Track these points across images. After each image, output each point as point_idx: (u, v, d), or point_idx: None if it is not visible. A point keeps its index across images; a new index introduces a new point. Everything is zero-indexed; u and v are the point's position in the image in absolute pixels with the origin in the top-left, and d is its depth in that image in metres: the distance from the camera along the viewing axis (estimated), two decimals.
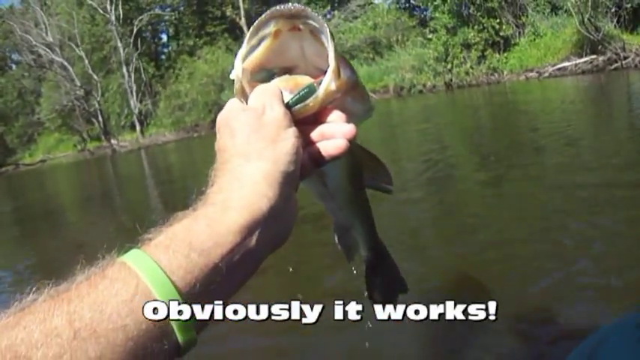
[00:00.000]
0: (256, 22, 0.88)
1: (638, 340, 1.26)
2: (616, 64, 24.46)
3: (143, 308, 0.61)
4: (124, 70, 40.34)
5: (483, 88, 28.00)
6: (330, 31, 0.86)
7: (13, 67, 50.70)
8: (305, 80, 0.90)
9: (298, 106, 0.85)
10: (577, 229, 4.63)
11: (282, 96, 0.85)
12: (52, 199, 16.53)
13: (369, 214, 1.26)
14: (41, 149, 45.03)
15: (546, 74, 26.99)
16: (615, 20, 26.93)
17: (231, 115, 0.81)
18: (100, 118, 40.53)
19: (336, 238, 1.27)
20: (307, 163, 0.84)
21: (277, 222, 0.76)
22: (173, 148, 25.63)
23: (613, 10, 27.14)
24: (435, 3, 32.13)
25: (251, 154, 0.76)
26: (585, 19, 25.53)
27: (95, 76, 39.84)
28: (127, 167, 22.75)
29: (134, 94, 40.38)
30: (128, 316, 0.60)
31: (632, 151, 7.19)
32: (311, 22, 0.88)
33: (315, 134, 0.85)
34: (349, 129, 0.84)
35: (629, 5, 27.64)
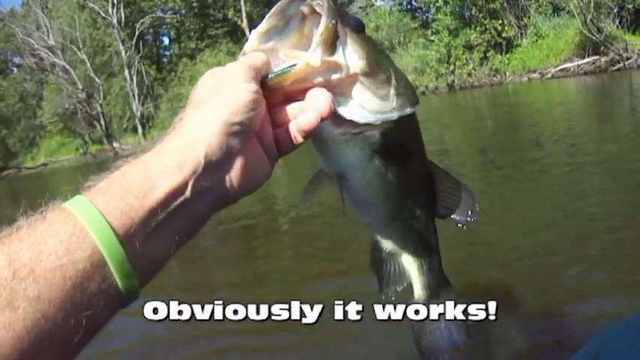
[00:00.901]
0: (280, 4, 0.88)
1: None
2: (619, 65, 24.39)
3: (79, 248, 0.62)
4: (126, 73, 40.36)
5: (486, 89, 27.95)
6: (333, 8, 0.86)
7: (15, 70, 50.75)
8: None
9: (272, 75, 0.84)
10: (581, 230, 4.61)
11: (257, 62, 0.84)
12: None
13: (430, 247, 1.14)
14: (43, 153, 45.02)
15: (549, 75, 26.92)
16: (617, 21, 26.87)
17: (203, 76, 0.83)
18: (102, 122, 40.54)
19: (371, 261, 1.16)
20: (283, 138, 0.84)
21: (219, 173, 0.76)
22: None
23: (615, 11, 27.08)
24: (438, 4, 32.11)
25: (199, 103, 0.78)
26: (588, 20, 25.47)
27: (97, 79, 39.86)
28: None
29: (136, 97, 40.38)
30: (65, 256, 0.62)
31: (637, 152, 7.15)
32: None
33: (291, 108, 0.85)
34: (324, 105, 0.82)
35: (630, 6, 27.58)
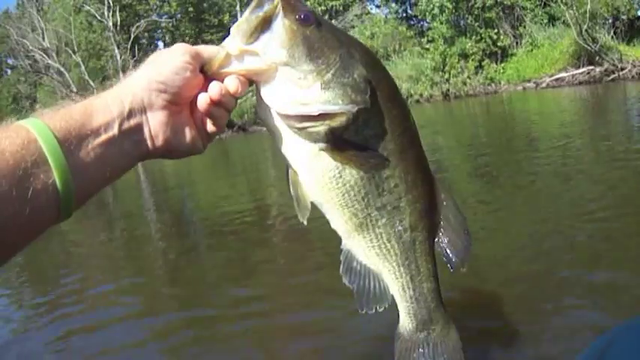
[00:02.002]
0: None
1: None
2: (613, 75, 24.48)
3: (27, 148, 0.79)
4: (121, 76, 39.93)
5: (480, 98, 28.00)
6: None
7: (9, 71, 50.53)
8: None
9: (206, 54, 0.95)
10: (574, 236, 4.64)
11: (202, 49, 0.95)
12: None
13: (419, 270, 1.02)
14: None
15: (543, 85, 26.99)
16: (612, 32, 27.00)
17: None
18: None
19: (343, 268, 1.04)
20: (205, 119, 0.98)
21: (142, 120, 0.92)
22: None
23: (610, 21, 27.23)
24: (433, 12, 32.17)
25: (140, 68, 0.97)
26: (583, 30, 25.57)
27: (91, 83, 39.67)
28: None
29: None
30: (16, 148, 0.78)
31: (630, 162, 7.15)
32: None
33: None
34: (213, 87, 0.93)
35: (624, 17, 27.74)
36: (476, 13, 30.92)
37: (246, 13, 0.92)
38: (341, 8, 40.08)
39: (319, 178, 0.95)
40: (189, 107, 0.98)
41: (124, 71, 39.62)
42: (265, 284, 4.78)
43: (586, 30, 25.66)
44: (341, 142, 0.92)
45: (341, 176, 0.94)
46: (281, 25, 0.91)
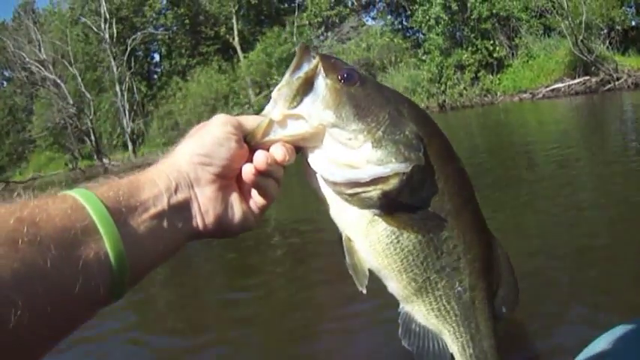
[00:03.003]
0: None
1: None
2: (609, 85, 24.57)
3: (77, 218, 0.74)
4: (117, 88, 40.18)
5: (477, 109, 28.09)
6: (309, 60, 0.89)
7: (4, 83, 50.54)
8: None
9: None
10: (572, 245, 4.67)
11: (244, 119, 0.92)
12: None
13: (479, 329, 0.99)
14: (32, 167, 44.61)
15: (540, 95, 27.08)
16: (607, 42, 27.13)
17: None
18: (92, 137, 40.26)
19: (401, 331, 1.00)
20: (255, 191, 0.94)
21: (191, 196, 0.88)
22: None
23: (604, 31, 27.36)
24: (429, 24, 32.28)
25: (183, 141, 0.93)
26: (578, 41, 25.69)
27: (88, 95, 39.67)
28: None
29: (127, 113, 40.20)
30: (64, 219, 0.73)
31: (626, 172, 7.15)
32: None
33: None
34: (259, 156, 0.89)
35: (619, 27, 27.89)
36: (472, 24, 31.05)
37: (286, 75, 0.89)
38: (337, 20, 40.16)
39: (375, 245, 0.91)
40: (236, 181, 0.94)
41: (120, 83, 39.73)
42: (264, 301, 4.72)
43: (582, 40, 25.79)
44: (395, 206, 0.89)
45: (398, 242, 0.91)
46: (324, 85, 0.88)
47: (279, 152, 0.88)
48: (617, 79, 24.70)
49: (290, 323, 4.14)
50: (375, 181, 0.86)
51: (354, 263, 0.92)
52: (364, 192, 0.87)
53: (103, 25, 39.81)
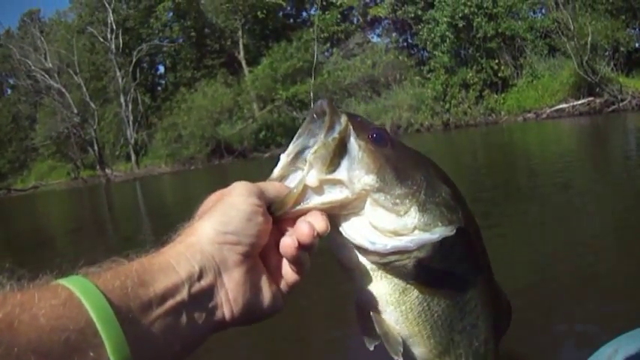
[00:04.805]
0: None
1: None
2: (613, 107, 24.62)
3: (72, 318, 0.59)
4: (122, 99, 40.34)
5: (481, 128, 28.12)
6: (341, 121, 0.82)
7: (9, 91, 50.75)
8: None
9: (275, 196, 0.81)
10: (581, 258, 4.68)
11: (266, 185, 0.82)
12: (43, 228, 16.23)
13: None
14: (33, 175, 44.70)
15: (544, 115, 27.14)
16: (612, 63, 27.23)
17: (210, 194, 0.83)
18: (95, 147, 40.36)
19: None
20: (285, 267, 0.82)
21: (216, 282, 0.75)
22: (168, 180, 25.65)
23: (607, 53, 27.48)
24: (435, 42, 32.42)
25: (202, 214, 0.79)
26: (584, 62, 25.75)
27: (92, 104, 39.81)
28: (121, 198, 22.50)
29: (130, 124, 40.31)
30: (56, 320, 0.59)
31: (630, 192, 7.14)
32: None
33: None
34: (303, 229, 0.77)
35: (623, 49, 28.02)
36: (477, 43, 31.20)
37: (321, 137, 0.81)
38: (342, 36, 40.37)
39: (408, 314, 0.87)
40: (260, 258, 0.82)
41: (125, 94, 39.84)
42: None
43: (586, 61, 25.85)
44: (429, 273, 0.85)
45: (429, 308, 0.87)
46: (357, 147, 0.82)
47: (321, 223, 0.78)
48: (622, 100, 24.78)
49: (288, 343, 4.07)
50: (420, 249, 0.82)
51: (385, 332, 0.87)
52: (400, 260, 0.82)
53: (109, 36, 40.09)
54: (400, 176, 0.82)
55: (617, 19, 28.61)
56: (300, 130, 0.84)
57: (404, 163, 0.85)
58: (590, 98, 25.89)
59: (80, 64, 40.54)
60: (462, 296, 0.90)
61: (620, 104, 24.61)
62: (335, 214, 0.82)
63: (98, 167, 40.51)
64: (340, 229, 0.82)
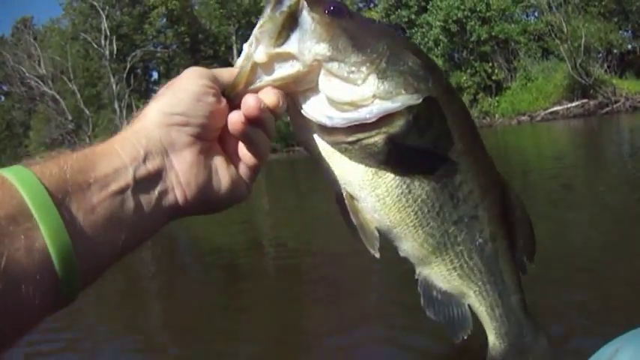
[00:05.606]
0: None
1: None
2: (607, 108, 24.72)
3: (4, 201, 0.57)
4: (116, 105, 40.27)
5: None
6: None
7: (3, 98, 50.63)
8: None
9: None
10: (567, 266, 4.57)
11: (220, 71, 0.78)
12: None
13: (504, 284, 0.90)
14: None
15: (538, 118, 27.21)
16: (605, 65, 27.36)
17: None
18: None
19: (423, 302, 0.89)
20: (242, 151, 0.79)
21: (164, 165, 0.72)
22: None
23: (601, 55, 27.62)
24: (428, 46, 32.49)
25: (151, 101, 0.77)
26: (577, 64, 25.86)
27: (86, 111, 39.73)
28: None
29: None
30: None
31: (626, 192, 7.15)
32: None
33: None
34: (248, 101, 0.73)
35: (616, 51, 28.17)
36: (470, 46, 31.27)
37: (267, 11, 0.76)
38: None
39: (385, 200, 0.80)
40: (218, 144, 0.79)
41: (119, 100, 39.80)
42: (258, 327, 4.62)
43: (580, 64, 25.95)
44: (403, 151, 0.78)
45: (410, 191, 0.80)
46: (310, 19, 0.76)
47: (271, 96, 0.74)
48: (615, 102, 24.89)
49: (284, 345, 4.05)
50: (379, 123, 0.75)
51: (361, 223, 0.80)
52: (367, 137, 0.76)
53: (103, 42, 40.03)
54: (357, 44, 0.76)
55: (609, 21, 28.78)
56: (271, 2, 0.78)
57: (364, 32, 0.79)
58: (584, 100, 25.99)
59: (74, 71, 40.47)
60: (450, 180, 0.82)
61: (614, 106, 24.72)
62: (294, 94, 0.77)
63: None
64: (300, 109, 0.77)
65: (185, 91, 0.74)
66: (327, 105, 0.75)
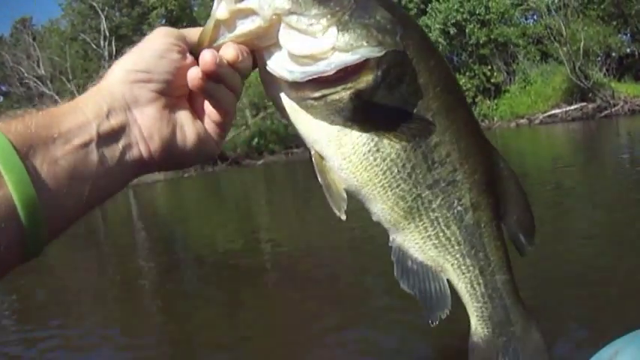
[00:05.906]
0: None
1: None
2: (606, 112, 24.73)
3: None
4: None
5: None
6: None
7: (1, 98, 50.52)
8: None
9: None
10: (565, 270, 4.64)
11: (186, 31, 0.80)
12: None
13: (489, 260, 0.83)
14: None
15: (537, 121, 27.20)
16: (604, 69, 27.38)
17: None
18: None
19: (397, 271, 0.83)
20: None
21: (128, 121, 0.74)
22: (162, 187, 25.61)
23: (600, 59, 27.65)
24: None
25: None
26: (576, 68, 25.87)
27: None
28: (114, 206, 22.37)
29: None
30: None
31: (624, 195, 7.15)
32: None
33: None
34: (205, 56, 0.74)
35: (615, 54, 28.20)
36: (469, 49, 31.27)
37: None
38: None
39: (351, 158, 0.77)
40: (187, 101, 0.80)
41: None
42: (255, 328, 4.61)
43: (579, 67, 25.97)
44: (371, 108, 0.75)
45: (378, 150, 0.76)
46: None
47: (229, 51, 0.74)
48: (614, 105, 24.88)
49: (284, 345, 4.04)
50: (346, 78, 0.73)
51: (328, 183, 0.77)
52: (332, 93, 0.74)
53: (102, 43, 39.97)
54: None
55: (608, 24, 28.82)
56: None
57: None
58: (583, 104, 25.99)
59: (73, 71, 40.38)
60: (424, 140, 0.77)
61: (613, 109, 24.72)
62: (259, 50, 0.76)
63: None
64: (264, 64, 0.76)
65: (149, 49, 0.77)
66: (288, 59, 0.73)
